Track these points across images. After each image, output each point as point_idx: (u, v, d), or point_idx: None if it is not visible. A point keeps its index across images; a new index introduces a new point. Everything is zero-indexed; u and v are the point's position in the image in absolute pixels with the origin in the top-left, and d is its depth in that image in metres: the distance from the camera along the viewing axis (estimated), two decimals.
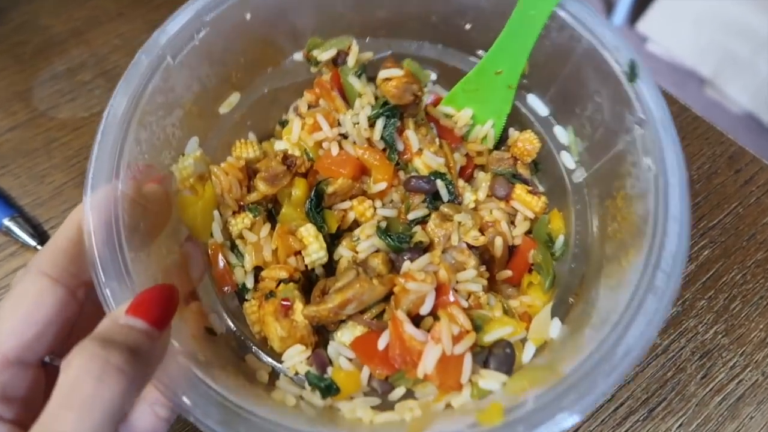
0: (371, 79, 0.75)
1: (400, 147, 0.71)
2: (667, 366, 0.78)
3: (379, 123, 0.69)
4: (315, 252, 0.68)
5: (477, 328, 0.66)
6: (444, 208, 0.71)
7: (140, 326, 0.48)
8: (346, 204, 0.71)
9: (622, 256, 0.62)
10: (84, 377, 0.43)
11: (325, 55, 0.75)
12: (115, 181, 0.58)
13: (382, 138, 0.70)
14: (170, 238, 0.66)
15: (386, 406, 0.63)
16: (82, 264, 0.55)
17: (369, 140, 0.71)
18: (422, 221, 0.71)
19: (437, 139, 0.74)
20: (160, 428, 0.52)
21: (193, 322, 0.61)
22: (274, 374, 0.64)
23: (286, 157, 0.71)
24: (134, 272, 0.56)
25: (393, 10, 0.77)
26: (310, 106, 0.76)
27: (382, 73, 0.69)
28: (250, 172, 0.73)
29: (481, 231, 0.74)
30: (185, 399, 0.51)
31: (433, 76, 0.84)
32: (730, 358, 0.79)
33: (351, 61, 0.73)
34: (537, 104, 0.78)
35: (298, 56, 0.79)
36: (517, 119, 0.80)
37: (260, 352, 0.66)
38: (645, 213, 0.61)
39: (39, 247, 0.87)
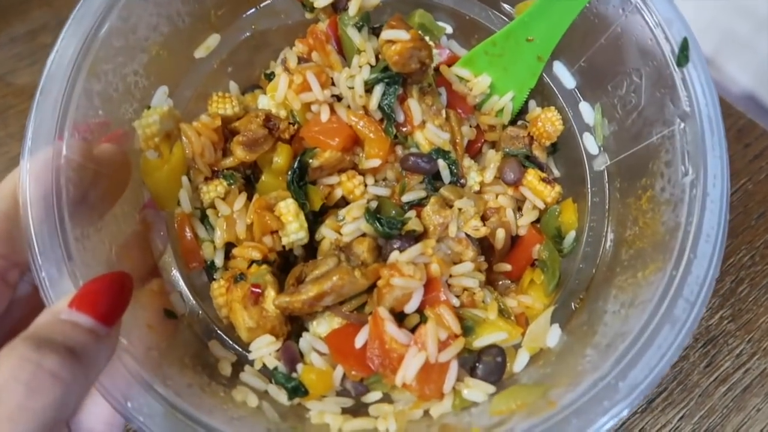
0: (375, 32, 0.64)
1: (400, 118, 0.62)
2: None
3: (378, 90, 0.59)
4: (294, 232, 0.60)
5: (467, 330, 0.59)
6: (444, 192, 0.63)
7: (85, 323, 0.42)
8: (334, 179, 0.62)
9: (639, 268, 0.55)
10: (12, 385, 0.37)
11: (321, 1, 0.64)
12: (58, 143, 0.49)
13: (379, 107, 0.60)
14: (128, 204, 0.58)
15: (359, 407, 0.57)
16: (17, 243, 0.47)
17: (365, 107, 0.61)
18: (418, 204, 0.63)
19: (444, 111, 0.64)
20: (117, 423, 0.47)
21: (150, 307, 0.54)
22: (238, 364, 0.58)
23: (268, 119, 0.61)
24: (79, 252, 0.49)
25: None
26: (300, 60, 0.65)
27: (385, 34, 0.58)
28: (226, 132, 0.63)
29: (483, 218, 0.65)
30: (130, 406, 0.45)
31: (449, 29, 0.72)
32: (736, 345, 0.73)
33: (353, 8, 0.62)
34: (563, 74, 0.67)
35: None
36: (537, 89, 0.69)
37: (226, 338, 0.60)
38: (674, 225, 0.52)
39: None
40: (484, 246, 0.68)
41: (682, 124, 0.54)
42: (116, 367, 0.46)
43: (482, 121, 0.69)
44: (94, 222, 0.52)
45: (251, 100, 0.68)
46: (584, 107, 0.67)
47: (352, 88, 0.60)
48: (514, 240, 0.68)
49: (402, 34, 0.57)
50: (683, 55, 0.54)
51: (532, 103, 0.70)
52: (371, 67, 0.61)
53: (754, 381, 0.72)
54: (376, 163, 0.61)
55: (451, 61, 0.71)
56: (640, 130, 0.60)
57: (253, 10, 0.67)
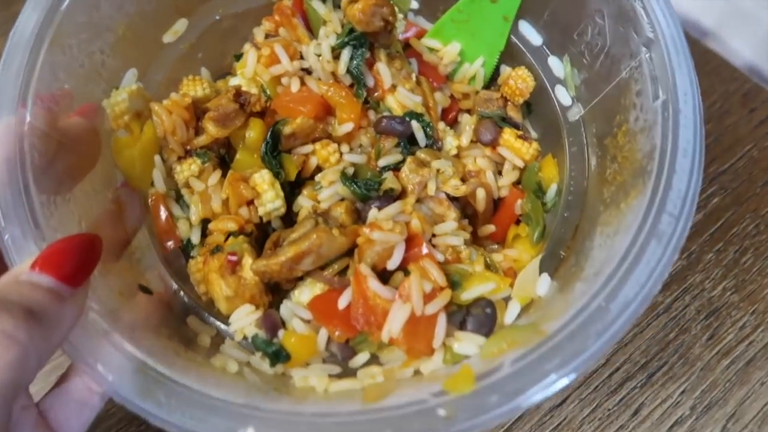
0: (338, 4, 0.65)
1: (370, 82, 0.62)
2: (669, 326, 0.69)
3: (345, 53, 0.60)
4: (270, 201, 0.59)
5: (454, 284, 0.57)
6: (421, 154, 0.62)
7: (46, 283, 0.40)
8: (308, 148, 0.61)
9: (621, 200, 0.53)
10: None
11: None
12: (21, 110, 0.49)
13: (348, 71, 0.61)
14: (100, 183, 0.57)
15: (347, 374, 0.54)
16: None
17: (334, 75, 0.61)
18: (395, 168, 0.62)
19: (414, 75, 0.64)
20: (94, 402, 0.44)
21: (122, 278, 0.52)
22: (219, 338, 0.56)
23: (238, 94, 0.61)
24: (46, 219, 0.48)
25: None
26: (267, 36, 0.66)
27: None
28: (198, 112, 0.63)
29: (463, 180, 0.64)
30: (99, 368, 0.43)
31: (415, 4, 0.73)
32: (739, 317, 0.70)
33: None
34: (529, 32, 0.68)
35: None
36: (507, 51, 0.69)
37: (205, 314, 0.58)
38: (650, 148, 0.51)
39: None
40: (468, 213, 0.67)
41: (648, 53, 0.54)
42: (83, 325, 0.44)
43: (455, 89, 0.69)
44: (61, 192, 0.51)
45: (223, 85, 0.68)
46: (553, 61, 0.67)
47: (320, 55, 0.60)
48: (496, 204, 0.67)
49: None
50: None
51: (503, 68, 0.70)
52: (337, 34, 0.62)
53: (757, 354, 0.69)
54: (349, 127, 0.60)
55: (420, 35, 0.72)
56: (608, 70, 0.60)
57: None
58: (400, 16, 0.67)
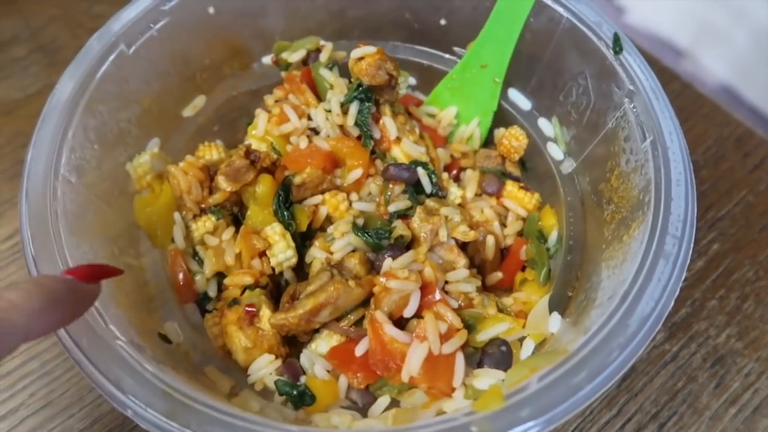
0: (344, 75, 0.71)
1: (377, 135, 0.66)
2: (677, 375, 0.69)
3: (353, 107, 0.65)
4: (281, 252, 0.61)
5: (469, 328, 0.58)
6: (429, 202, 0.65)
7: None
8: (317, 199, 0.64)
9: (623, 234, 0.56)
10: None
11: (295, 56, 0.72)
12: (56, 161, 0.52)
13: (356, 124, 0.65)
14: (125, 243, 0.59)
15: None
16: None
17: (342, 128, 0.66)
18: (404, 215, 0.65)
19: (417, 129, 0.69)
20: None
21: (142, 324, 0.53)
22: (237, 389, 0.55)
23: (249, 152, 0.65)
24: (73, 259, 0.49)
25: (365, 8, 0.75)
26: (277, 102, 0.71)
27: (355, 53, 0.65)
28: (212, 173, 0.67)
29: (470, 228, 0.67)
30: (125, 383, 0.42)
31: (412, 81, 0.80)
32: (744, 364, 0.71)
33: (324, 55, 0.70)
34: (518, 98, 0.74)
35: (267, 60, 0.75)
36: (499, 117, 0.76)
37: (223, 365, 0.57)
38: (645, 183, 0.55)
39: None
40: (475, 264, 0.69)
41: (632, 103, 0.60)
42: (111, 357, 0.44)
43: (455, 149, 0.74)
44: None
45: (235, 152, 0.73)
46: (542, 122, 0.72)
47: (329, 111, 0.65)
48: (502, 254, 0.70)
49: (369, 49, 0.63)
50: (617, 46, 0.61)
51: (497, 131, 0.76)
52: (344, 95, 0.67)
53: (763, 401, 0.69)
54: (358, 173, 0.64)
55: (418, 105, 0.78)
56: (595, 123, 0.65)
57: (235, 74, 0.74)
58: (404, 90, 0.74)
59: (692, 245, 0.50)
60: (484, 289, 0.67)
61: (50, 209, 0.49)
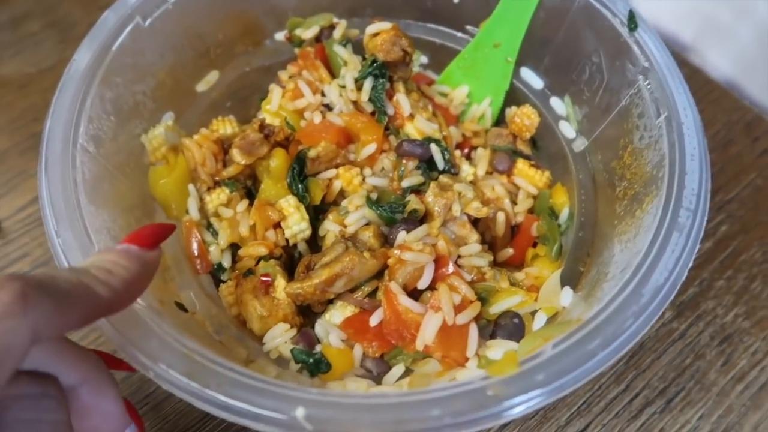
0: (357, 54, 0.71)
1: (390, 111, 0.67)
2: (685, 352, 0.70)
3: (367, 83, 0.65)
4: (296, 223, 0.62)
5: (482, 301, 0.58)
6: (443, 178, 0.65)
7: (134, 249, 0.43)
8: (331, 172, 0.65)
9: (636, 209, 0.57)
10: None
11: (308, 32, 0.72)
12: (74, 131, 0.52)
13: (370, 100, 0.65)
14: (141, 214, 0.60)
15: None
16: None
17: (356, 103, 0.66)
18: (416, 191, 0.65)
19: (430, 106, 0.69)
20: None
21: (160, 292, 0.53)
22: (253, 356, 0.56)
23: (263, 126, 0.65)
24: (93, 227, 0.49)
25: None
26: (291, 77, 0.71)
27: (370, 28, 0.65)
28: (226, 147, 0.67)
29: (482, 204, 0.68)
30: (146, 345, 0.43)
31: (424, 59, 0.80)
32: (751, 343, 0.71)
33: (337, 33, 0.70)
34: (531, 77, 0.74)
35: (280, 36, 0.75)
36: (511, 96, 0.76)
37: (239, 336, 0.58)
38: (659, 158, 0.56)
39: None
40: (486, 240, 0.69)
41: (647, 80, 0.60)
42: (132, 320, 0.44)
43: (466, 128, 0.75)
44: None
45: (250, 127, 0.73)
46: (555, 101, 0.73)
47: (344, 87, 0.65)
48: (513, 231, 0.70)
49: (384, 24, 0.64)
50: (633, 23, 0.61)
51: (508, 109, 0.76)
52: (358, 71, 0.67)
53: None
54: (372, 149, 0.64)
55: (430, 84, 0.78)
56: (608, 101, 0.65)
57: (248, 50, 0.75)
58: (416, 68, 0.74)
59: (706, 218, 0.50)
60: (495, 265, 0.68)
61: (70, 177, 0.50)
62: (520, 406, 0.41)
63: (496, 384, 0.42)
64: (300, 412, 0.40)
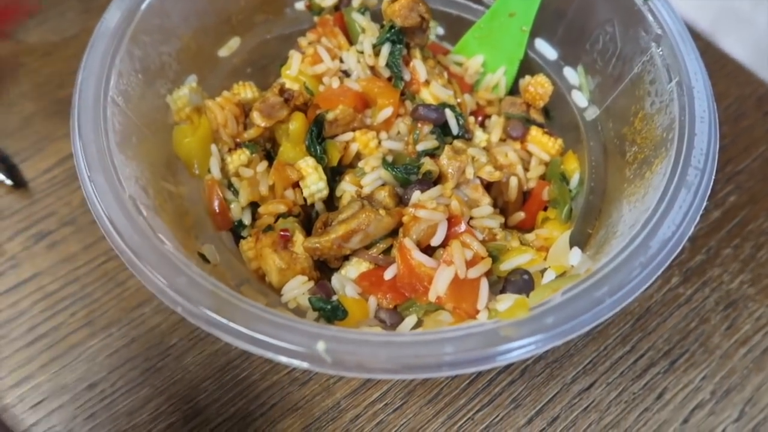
0: (375, 20, 0.73)
1: (407, 77, 0.68)
2: (690, 317, 0.72)
3: (385, 49, 0.67)
4: (314, 183, 0.64)
5: (493, 259, 0.60)
6: (457, 143, 0.67)
7: None
8: (348, 135, 0.66)
9: (645, 171, 0.58)
10: None
11: (328, 0, 0.74)
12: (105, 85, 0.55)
13: (387, 65, 0.67)
14: (164, 171, 0.62)
15: None
16: None
17: (373, 69, 0.68)
18: (431, 154, 0.67)
19: (446, 73, 0.71)
20: None
21: (184, 243, 0.56)
22: (272, 305, 0.58)
23: (283, 90, 0.67)
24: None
25: None
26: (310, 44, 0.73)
27: None
28: (247, 110, 0.69)
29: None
30: (175, 282, 0.45)
31: (440, 30, 0.82)
32: (755, 309, 0.73)
33: (356, 2, 0.72)
34: (545, 48, 0.76)
35: (300, 5, 0.77)
36: (525, 66, 0.77)
37: (258, 288, 0.60)
38: (669, 122, 0.57)
39: (9, 182, 0.77)
40: (497, 205, 0.71)
41: (659, 47, 0.61)
42: (160, 258, 0.47)
43: (480, 96, 0.76)
44: None
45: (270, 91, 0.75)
46: (568, 71, 0.74)
47: (362, 52, 0.67)
48: (524, 197, 0.72)
49: None
50: None
51: (522, 80, 0.78)
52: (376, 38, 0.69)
53: None
54: (388, 112, 0.66)
55: (445, 54, 0.80)
56: (621, 70, 0.67)
57: (269, 18, 0.76)
58: (433, 38, 0.75)
59: (713, 177, 0.52)
60: (507, 228, 0.70)
61: (101, 126, 0.52)
62: (530, 346, 0.43)
63: (508, 326, 0.44)
64: (321, 346, 0.42)
